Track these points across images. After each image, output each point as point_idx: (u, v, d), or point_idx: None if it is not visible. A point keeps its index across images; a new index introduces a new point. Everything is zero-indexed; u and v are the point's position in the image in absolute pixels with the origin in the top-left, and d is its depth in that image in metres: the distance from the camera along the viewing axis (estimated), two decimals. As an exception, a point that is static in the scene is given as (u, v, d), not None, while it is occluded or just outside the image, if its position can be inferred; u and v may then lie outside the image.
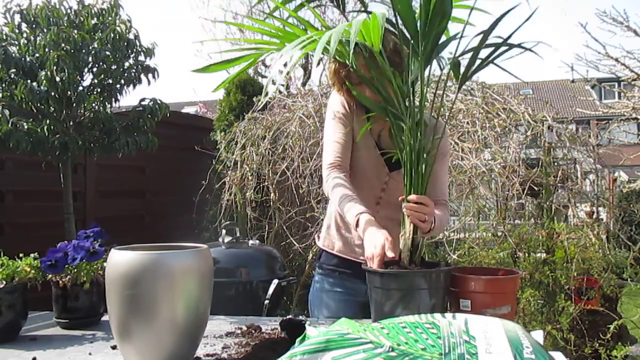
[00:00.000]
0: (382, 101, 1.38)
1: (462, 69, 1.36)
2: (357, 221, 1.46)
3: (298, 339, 0.98)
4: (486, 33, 1.25)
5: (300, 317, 1.31)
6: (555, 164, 3.19)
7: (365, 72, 1.51)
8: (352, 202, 1.51)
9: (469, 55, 1.31)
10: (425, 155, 1.31)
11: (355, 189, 1.61)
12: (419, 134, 1.29)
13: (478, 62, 1.31)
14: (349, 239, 1.73)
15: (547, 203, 3.04)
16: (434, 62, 1.36)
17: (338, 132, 1.66)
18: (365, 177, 1.68)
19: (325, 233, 1.82)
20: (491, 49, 1.29)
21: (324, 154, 1.67)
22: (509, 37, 1.27)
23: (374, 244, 1.35)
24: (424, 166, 1.31)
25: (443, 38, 1.30)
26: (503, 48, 1.28)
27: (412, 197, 1.30)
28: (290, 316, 1.32)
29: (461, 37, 1.32)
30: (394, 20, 1.29)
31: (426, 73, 1.32)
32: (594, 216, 3.73)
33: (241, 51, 1.36)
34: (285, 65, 1.20)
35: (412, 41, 1.28)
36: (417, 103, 1.34)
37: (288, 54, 1.20)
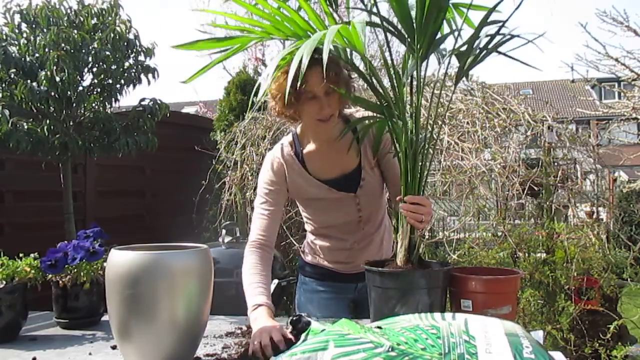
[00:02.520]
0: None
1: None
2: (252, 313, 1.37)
3: (303, 334, 0.98)
4: (480, 24, 1.25)
5: (309, 318, 1.31)
6: (555, 164, 3.19)
7: (321, 88, 1.42)
8: (254, 289, 1.45)
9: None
10: (420, 154, 1.31)
11: (336, 226, 1.64)
12: (415, 134, 1.29)
13: (477, 53, 1.30)
14: (332, 260, 1.74)
15: (547, 203, 3.03)
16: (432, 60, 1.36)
17: (265, 208, 1.57)
18: (337, 212, 1.65)
19: (308, 250, 1.82)
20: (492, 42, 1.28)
21: (251, 226, 1.60)
22: (501, 26, 1.25)
23: (259, 337, 1.19)
24: (420, 166, 1.31)
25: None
26: (501, 39, 1.27)
27: (409, 197, 1.30)
28: (299, 314, 1.30)
29: (460, 31, 1.31)
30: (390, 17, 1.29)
31: (423, 69, 1.32)
32: (594, 216, 3.73)
33: (231, 29, 1.29)
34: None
35: (408, 38, 1.28)
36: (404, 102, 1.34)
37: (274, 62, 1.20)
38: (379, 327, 0.95)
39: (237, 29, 1.32)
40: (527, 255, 2.92)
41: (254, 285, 1.46)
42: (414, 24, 1.24)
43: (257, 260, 1.53)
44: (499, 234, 2.95)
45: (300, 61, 1.10)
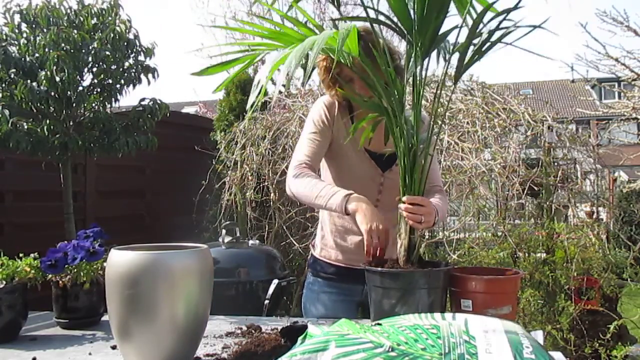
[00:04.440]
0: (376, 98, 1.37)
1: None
2: (347, 200, 1.42)
3: (300, 337, 0.98)
4: (476, 19, 1.24)
5: (301, 323, 1.31)
6: (555, 164, 3.19)
7: (354, 72, 1.49)
8: (333, 187, 1.47)
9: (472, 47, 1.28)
10: (420, 154, 1.30)
11: None
12: (414, 132, 1.29)
13: (479, 47, 1.29)
14: (345, 247, 1.73)
15: (547, 203, 3.03)
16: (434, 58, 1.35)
17: (313, 137, 1.62)
18: (360, 182, 1.65)
19: (320, 243, 1.81)
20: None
21: (295, 154, 1.63)
22: (504, 18, 1.24)
23: (380, 221, 1.36)
24: (420, 166, 1.30)
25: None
26: (505, 31, 1.26)
27: (408, 198, 1.30)
28: (289, 324, 1.31)
29: (461, 28, 1.30)
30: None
31: (424, 68, 1.31)
32: (594, 216, 3.73)
33: (239, 53, 1.36)
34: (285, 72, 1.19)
35: (408, 36, 1.27)
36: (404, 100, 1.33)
37: (288, 63, 1.20)
38: (379, 324, 0.95)
39: (246, 47, 1.37)
40: (527, 255, 2.92)
41: (330, 186, 1.48)
42: (414, 20, 1.23)
43: (315, 177, 1.55)
44: (499, 234, 2.95)
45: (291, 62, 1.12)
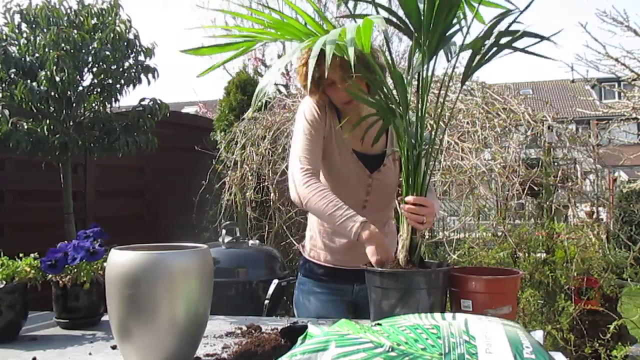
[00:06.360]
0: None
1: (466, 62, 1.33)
2: (363, 227, 1.42)
3: (300, 338, 0.98)
4: (495, 21, 1.23)
5: (301, 323, 1.31)
6: (555, 164, 3.19)
7: (338, 74, 1.50)
8: (350, 210, 1.47)
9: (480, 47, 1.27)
10: (424, 155, 1.30)
11: (340, 196, 1.60)
12: (419, 133, 1.29)
13: (487, 50, 1.28)
14: (333, 249, 1.73)
15: (547, 203, 3.03)
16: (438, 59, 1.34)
17: (309, 136, 1.60)
18: (348, 184, 1.66)
19: (309, 244, 1.81)
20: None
21: (295, 157, 1.59)
22: (513, 21, 1.23)
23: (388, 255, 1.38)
24: (423, 166, 1.30)
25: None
26: (514, 36, 1.25)
27: (410, 198, 1.30)
28: (289, 324, 1.31)
29: (469, 27, 1.29)
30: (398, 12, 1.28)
31: (431, 68, 1.31)
32: (594, 216, 3.73)
33: (235, 37, 1.31)
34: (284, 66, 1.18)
35: (415, 34, 1.26)
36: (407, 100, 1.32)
37: (288, 57, 1.19)
38: (379, 324, 0.95)
39: (237, 28, 1.34)
40: (527, 255, 2.92)
41: (345, 207, 1.47)
42: (423, 19, 1.22)
43: (327, 189, 1.52)
44: (499, 234, 2.95)
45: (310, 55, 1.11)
